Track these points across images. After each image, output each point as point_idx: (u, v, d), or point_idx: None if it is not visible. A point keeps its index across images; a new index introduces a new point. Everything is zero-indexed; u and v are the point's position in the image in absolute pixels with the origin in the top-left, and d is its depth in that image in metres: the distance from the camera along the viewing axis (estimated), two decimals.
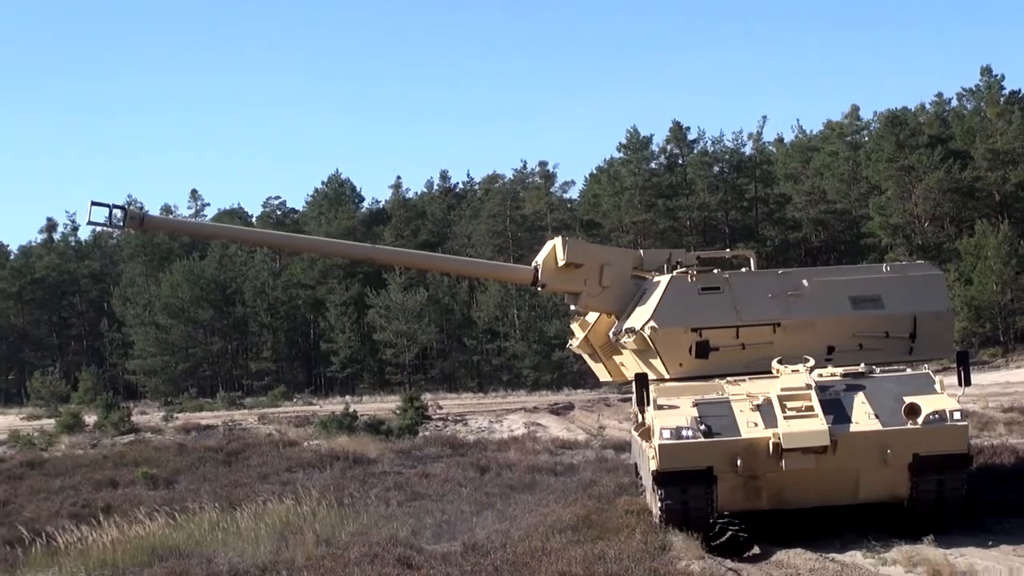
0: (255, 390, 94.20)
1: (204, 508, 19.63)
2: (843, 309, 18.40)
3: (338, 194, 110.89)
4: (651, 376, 17.40)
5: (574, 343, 20.29)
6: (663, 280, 18.25)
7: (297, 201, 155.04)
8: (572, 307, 20.08)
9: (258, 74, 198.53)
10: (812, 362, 16.44)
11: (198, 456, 32.65)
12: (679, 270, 18.58)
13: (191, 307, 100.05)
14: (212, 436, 45.20)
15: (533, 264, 18.24)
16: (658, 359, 17.50)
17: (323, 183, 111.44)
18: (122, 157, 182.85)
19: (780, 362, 16.34)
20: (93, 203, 16.18)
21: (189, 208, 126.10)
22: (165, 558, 16.29)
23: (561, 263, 18.43)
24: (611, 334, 18.87)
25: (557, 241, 18.85)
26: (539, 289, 18.74)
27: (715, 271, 18.53)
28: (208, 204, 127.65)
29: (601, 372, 20.40)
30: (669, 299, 17.49)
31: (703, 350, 17.45)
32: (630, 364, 18.74)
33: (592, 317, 19.74)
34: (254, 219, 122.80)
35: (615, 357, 19.47)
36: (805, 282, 18.38)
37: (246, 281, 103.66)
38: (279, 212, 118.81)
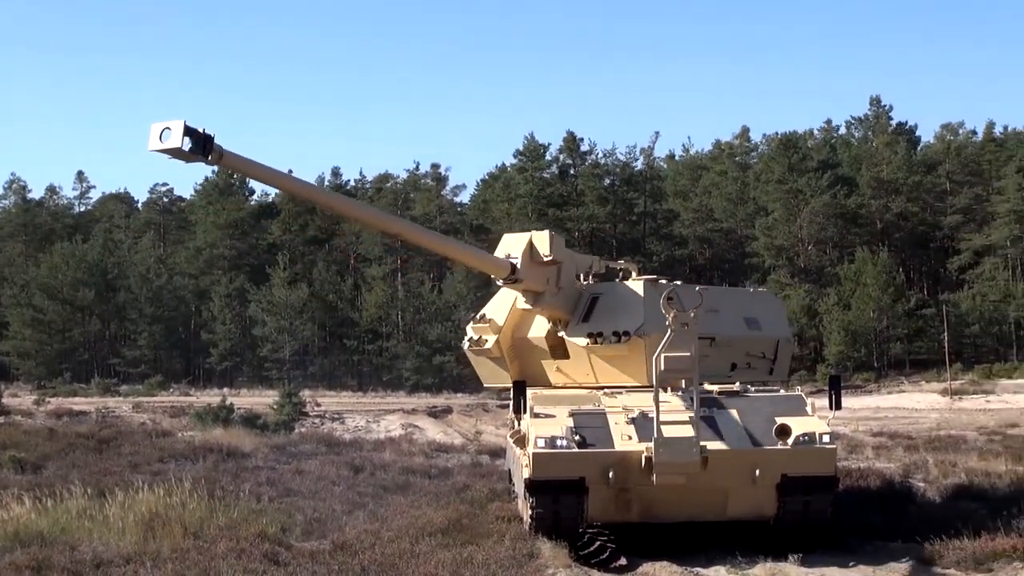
0: (131, 378, 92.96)
1: (72, 495, 19.25)
2: (742, 328, 19.04)
3: (227, 185, 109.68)
4: (632, 383, 17.41)
5: (485, 345, 19.58)
6: (638, 286, 18.21)
7: (185, 190, 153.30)
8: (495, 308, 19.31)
9: (148, 58, 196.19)
10: (689, 378, 16.52)
11: (68, 442, 32.02)
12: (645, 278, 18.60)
13: (70, 290, 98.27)
14: (84, 422, 44.47)
15: (506, 256, 17.39)
16: (643, 366, 17.32)
17: (212, 173, 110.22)
18: (5, 135, 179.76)
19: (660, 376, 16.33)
20: (187, 128, 13.18)
21: (74, 190, 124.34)
22: (28, 544, 15.97)
23: (547, 258, 17.70)
24: (563, 335, 18.41)
25: (536, 235, 17.94)
26: (502, 284, 17.81)
27: (677, 281, 18.64)
28: (94, 187, 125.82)
29: (495, 377, 19.79)
30: (653, 307, 17.25)
31: None
32: (578, 369, 18.51)
33: (501, 319, 19.26)
34: (139, 205, 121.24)
35: (546, 361, 18.99)
36: (719, 300, 18.99)
37: (130, 266, 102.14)
38: (166, 199, 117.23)
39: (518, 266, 16.97)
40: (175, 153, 13.09)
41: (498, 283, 17.75)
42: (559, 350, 18.77)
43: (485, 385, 21.17)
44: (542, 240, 17.80)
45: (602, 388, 17.40)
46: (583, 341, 18.05)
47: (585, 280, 19.07)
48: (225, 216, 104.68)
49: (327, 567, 14.51)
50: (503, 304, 19.45)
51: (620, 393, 17.07)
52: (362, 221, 18.27)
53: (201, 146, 13.26)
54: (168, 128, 12.97)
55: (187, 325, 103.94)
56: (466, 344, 19.73)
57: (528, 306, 17.93)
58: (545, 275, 17.65)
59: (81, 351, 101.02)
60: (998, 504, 18.91)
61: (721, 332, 18.55)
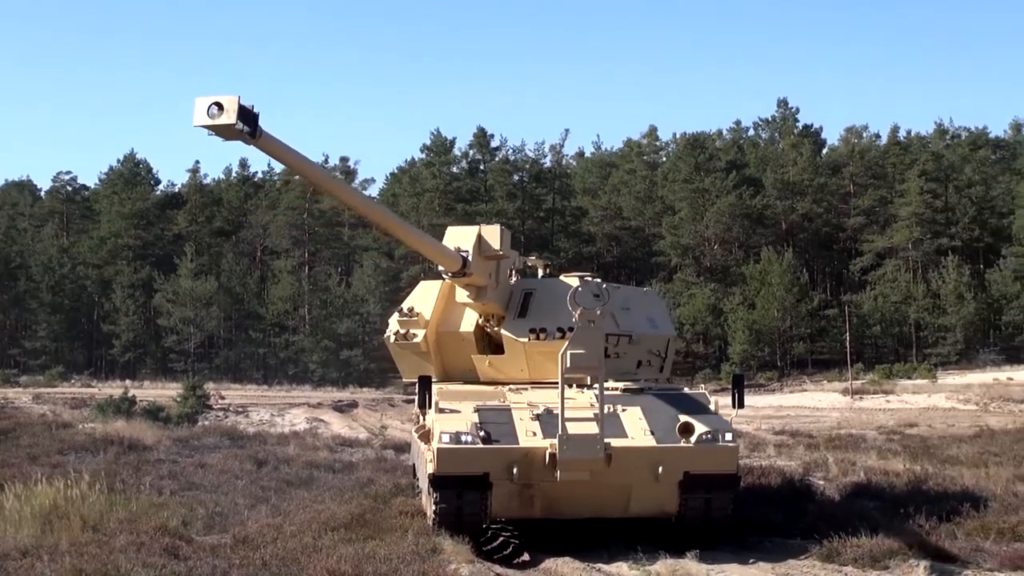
0: (32, 368, 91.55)
1: None
2: (647, 326, 19.15)
3: (133, 174, 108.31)
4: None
5: (414, 339, 19.29)
6: (574, 283, 18.20)
7: (90, 178, 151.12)
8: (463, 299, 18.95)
9: (53, 44, 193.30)
10: (594, 375, 16.55)
11: None
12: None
13: None
14: None
15: (456, 249, 17.10)
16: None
17: (118, 162, 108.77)
18: None
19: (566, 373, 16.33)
20: (241, 109, 12.50)
21: None
22: None
23: (499, 252, 17.56)
24: (500, 330, 18.26)
25: (486, 229, 17.76)
26: (449, 277, 17.45)
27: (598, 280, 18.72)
28: None
29: (418, 371, 19.40)
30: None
31: None
32: (512, 364, 18.35)
33: (428, 313, 19.09)
34: (43, 193, 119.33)
35: (477, 356, 18.83)
36: (629, 299, 19.25)
37: (32, 255, 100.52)
38: (70, 188, 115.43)
39: (469, 259, 16.83)
40: (223, 130, 12.56)
41: (445, 276, 17.48)
42: (489, 345, 18.81)
43: (405, 379, 20.98)
44: (493, 234, 17.69)
45: (536, 383, 17.43)
46: (523, 336, 18.05)
47: (510, 276, 19.05)
48: (130, 206, 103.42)
49: (228, 561, 14.39)
50: (427, 298, 19.36)
51: (525, 389, 17.13)
52: (361, 212, 17.65)
53: (253, 124, 12.77)
54: (218, 104, 12.39)
55: (90, 315, 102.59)
56: (391, 338, 19.49)
57: (471, 300, 17.76)
58: (488, 269, 17.57)
59: None
60: (895, 502, 19.20)
61: (634, 330, 18.70)
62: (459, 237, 17.30)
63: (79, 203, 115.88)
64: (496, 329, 18.47)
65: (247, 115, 12.60)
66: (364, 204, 17.01)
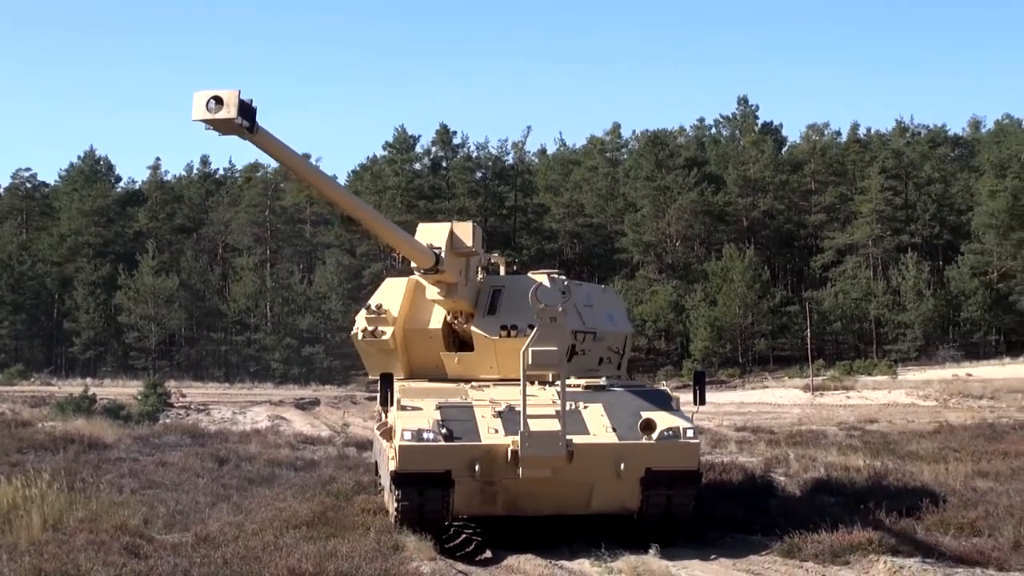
0: None
1: None
2: (608, 323, 19.20)
3: (93, 171, 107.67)
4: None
5: (383, 337, 19.20)
6: (543, 279, 18.22)
7: (49, 175, 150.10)
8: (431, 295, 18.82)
9: (10, 39, 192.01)
10: (556, 372, 16.52)
11: None
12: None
13: None
14: None
15: (428, 245, 16.95)
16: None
17: (78, 158, 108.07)
18: None
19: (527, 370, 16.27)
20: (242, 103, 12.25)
21: None
22: None
23: (472, 249, 17.51)
24: (470, 327, 18.22)
25: (458, 226, 17.61)
26: (420, 274, 17.20)
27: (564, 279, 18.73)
28: None
29: (385, 368, 19.28)
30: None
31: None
32: (482, 361, 18.27)
33: (395, 310, 19.00)
34: (2, 190, 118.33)
35: (446, 353, 18.78)
36: (592, 296, 19.42)
37: None
38: (29, 185, 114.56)
39: (442, 256, 16.70)
40: (222, 125, 12.34)
41: (417, 273, 17.37)
42: (457, 342, 18.79)
43: (371, 377, 20.87)
44: (465, 231, 17.58)
45: (507, 380, 17.28)
46: (494, 334, 18.00)
47: (477, 273, 19.01)
48: (91, 203, 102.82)
49: (189, 560, 14.33)
50: (394, 295, 19.27)
51: (488, 386, 17.15)
52: (347, 209, 17.37)
53: (251, 119, 12.55)
54: (217, 98, 12.16)
55: (50, 313, 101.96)
56: (359, 335, 19.36)
57: (441, 297, 17.67)
58: (459, 267, 17.49)
59: None
60: (856, 498, 19.29)
61: (598, 327, 18.76)
62: (431, 234, 17.16)
63: (39, 200, 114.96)
64: (465, 326, 18.45)
65: (246, 110, 12.43)
66: (351, 201, 16.85)
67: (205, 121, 12.26)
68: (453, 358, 18.60)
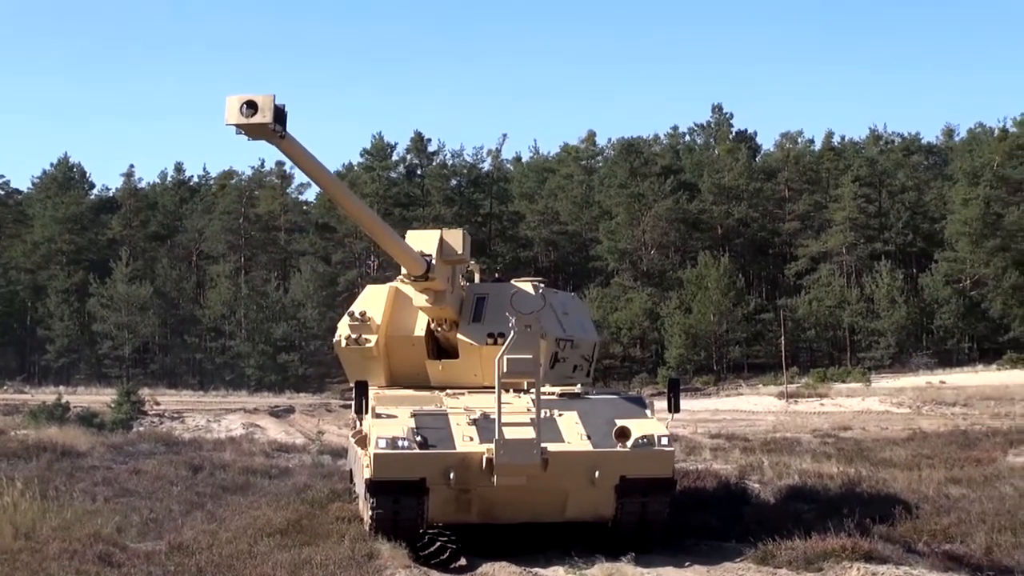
0: None
1: None
2: (580, 331, 19.25)
3: (67, 178, 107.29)
4: None
5: (367, 344, 19.05)
6: (528, 287, 18.23)
7: (22, 182, 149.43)
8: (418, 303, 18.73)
9: None
10: (531, 379, 16.50)
11: None
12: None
13: None
14: None
15: (419, 252, 16.82)
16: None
17: (52, 165, 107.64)
18: None
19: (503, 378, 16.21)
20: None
21: None
22: None
23: (462, 257, 17.44)
24: (457, 335, 18.16)
25: (448, 233, 17.51)
26: (410, 282, 17.14)
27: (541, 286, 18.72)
28: None
29: (367, 375, 19.15)
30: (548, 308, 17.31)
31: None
32: (466, 369, 18.16)
33: (379, 317, 18.91)
34: None
35: (430, 361, 18.71)
36: (567, 304, 19.49)
37: None
38: (1, 191, 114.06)
39: (433, 263, 16.56)
40: (254, 130, 12.27)
41: (407, 280, 17.24)
42: (436, 349, 18.73)
43: (352, 383, 20.74)
44: (455, 238, 17.49)
45: (488, 388, 17.14)
46: (481, 341, 17.92)
47: (460, 281, 18.97)
48: (64, 210, 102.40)
49: (163, 568, 14.32)
50: (376, 302, 19.19)
51: (463, 394, 17.13)
52: (357, 219, 17.11)
53: (283, 123, 12.43)
54: (251, 102, 12.09)
55: (23, 321, 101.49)
56: (343, 342, 19.22)
57: (428, 304, 17.57)
58: (447, 274, 17.38)
59: None
60: (829, 505, 19.39)
61: (575, 335, 18.80)
62: (421, 241, 17.03)
63: (11, 207, 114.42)
64: (450, 334, 18.40)
65: (279, 114, 12.35)
66: (369, 218, 16.61)
67: (238, 126, 12.20)
68: (437, 365, 18.54)
